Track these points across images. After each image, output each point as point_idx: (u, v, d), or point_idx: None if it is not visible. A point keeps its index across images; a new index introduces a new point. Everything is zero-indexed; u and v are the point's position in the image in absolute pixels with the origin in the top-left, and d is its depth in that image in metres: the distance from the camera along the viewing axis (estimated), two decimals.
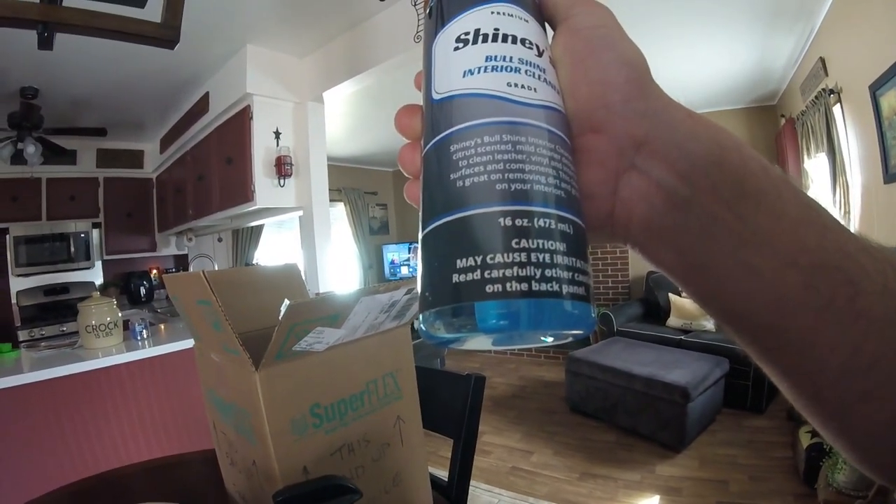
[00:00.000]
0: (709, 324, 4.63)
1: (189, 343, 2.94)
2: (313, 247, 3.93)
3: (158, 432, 2.83)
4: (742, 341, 0.27)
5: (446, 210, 0.23)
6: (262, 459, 0.72)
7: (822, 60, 3.45)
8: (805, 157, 4.08)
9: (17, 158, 4.15)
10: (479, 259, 0.21)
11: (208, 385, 0.88)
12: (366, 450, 0.80)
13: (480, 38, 0.26)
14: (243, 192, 3.73)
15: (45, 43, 2.12)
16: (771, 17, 3.40)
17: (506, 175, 0.23)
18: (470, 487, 1.31)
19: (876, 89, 2.68)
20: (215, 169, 4.16)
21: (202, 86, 4.22)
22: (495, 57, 0.25)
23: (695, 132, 0.26)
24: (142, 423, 2.78)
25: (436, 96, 0.26)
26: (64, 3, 2.01)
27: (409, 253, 7.58)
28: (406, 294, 0.75)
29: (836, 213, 3.35)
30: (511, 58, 0.26)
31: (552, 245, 0.22)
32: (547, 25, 0.29)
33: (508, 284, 0.21)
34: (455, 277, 0.22)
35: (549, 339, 0.24)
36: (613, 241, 0.28)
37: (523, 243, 0.21)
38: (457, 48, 0.26)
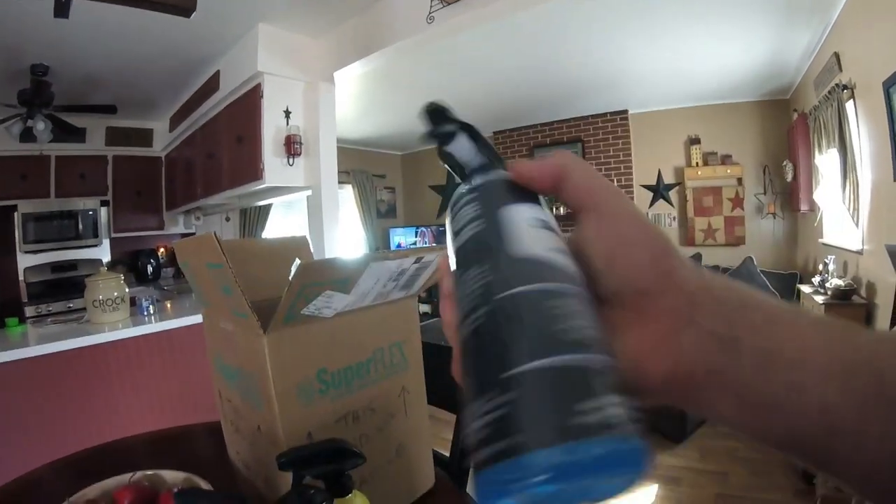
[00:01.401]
0: None
1: (195, 319, 2.97)
2: (321, 228, 3.94)
3: (164, 406, 2.85)
4: (805, 461, 0.28)
5: (554, 353, 0.24)
6: (268, 424, 0.72)
7: (837, 55, 3.42)
8: (816, 152, 4.05)
9: (27, 136, 4.15)
10: (592, 403, 0.22)
11: (215, 351, 0.89)
12: (370, 418, 0.81)
13: (547, 226, 0.31)
14: (253, 170, 3.74)
15: (62, 10, 2.10)
16: (786, 10, 3.36)
17: (584, 332, 0.25)
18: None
19: (890, 86, 2.65)
20: (225, 147, 4.16)
21: (213, 64, 4.21)
22: (559, 244, 0.30)
23: (723, 283, 0.30)
24: (148, 397, 2.80)
25: (516, 254, 0.29)
26: None
27: (416, 237, 7.60)
28: (415, 262, 0.75)
29: (845, 209, 3.34)
30: (562, 246, 0.30)
31: (613, 398, 0.23)
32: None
33: (576, 435, 0.21)
34: (569, 419, 0.22)
35: (612, 493, 0.25)
36: (671, 399, 0.30)
37: (611, 388, 0.24)
38: (531, 226, 0.30)
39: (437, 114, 0.37)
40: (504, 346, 0.25)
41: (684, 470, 3.02)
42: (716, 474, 2.95)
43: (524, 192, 0.32)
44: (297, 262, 0.59)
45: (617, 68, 4.60)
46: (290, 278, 0.60)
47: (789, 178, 4.96)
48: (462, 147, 0.36)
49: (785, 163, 5.01)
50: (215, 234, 0.67)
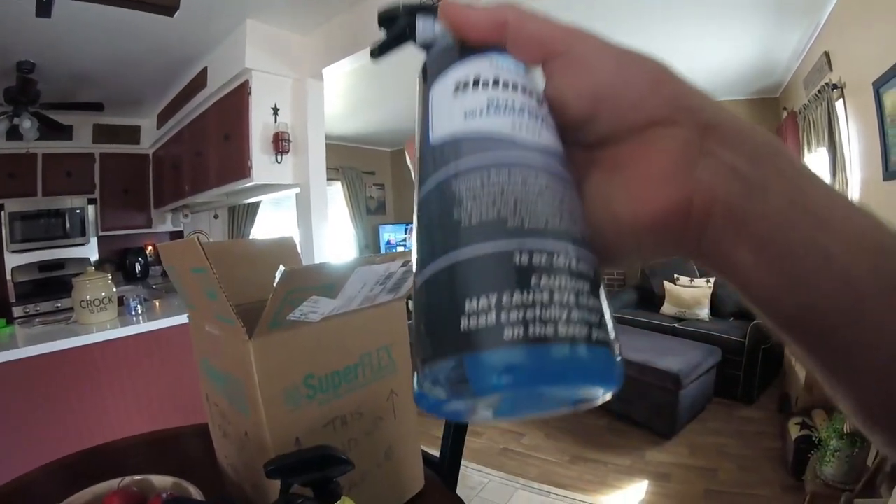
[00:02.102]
0: (702, 312, 4.64)
1: (184, 318, 2.95)
2: (310, 225, 3.92)
3: (153, 407, 2.83)
4: (812, 350, 0.25)
5: (451, 250, 0.20)
6: (255, 430, 0.72)
7: (827, 55, 3.43)
8: (805, 150, 4.07)
9: (13, 134, 4.12)
10: (493, 299, 0.18)
11: (202, 355, 0.88)
12: (359, 423, 0.80)
13: (482, 83, 0.25)
14: (241, 167, 3.71)
15: (44, 10, 2.08)
16: (777, 9, 3.37)
17: (518, 211, 0.20)
18: (461, 467, 1.31)
19: (879, 86, 2.66)
20: (213, 144, 4.13)
21: (201, 61, 4.17)
22: (498, 100, 0.24)
23: (741, 119, 0.25)
24: (136, 398, 2.78)
25: (434, 139, 0.24)
26: None
27: (406, 233, 7.58)
28: (402, 266, 0.74)
29: None
30: (514, 102, 0.24)
31: (576, 284, 0.19)
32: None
33: (531, 327, 0.18)
34: (465, 322, 0.18)
35: (570, 404, 0.21)
36: (683, 246, 0.26)
37: (545, 282, 0.19)
38: (457, 92, 0.25)
39: (388, 20, 0.33)
40: (420, 252, 0.22)
41: (674, 466, 3.04)
42: (705, 470, 2.97)
43: (466, 47, 0.27)
44: (282, 268, 0.58)
45: None
46: (274, 285, 0.59)
47: None
48: (426, 31, 0.31)
49: None
50: (198, 238, 0.66)
